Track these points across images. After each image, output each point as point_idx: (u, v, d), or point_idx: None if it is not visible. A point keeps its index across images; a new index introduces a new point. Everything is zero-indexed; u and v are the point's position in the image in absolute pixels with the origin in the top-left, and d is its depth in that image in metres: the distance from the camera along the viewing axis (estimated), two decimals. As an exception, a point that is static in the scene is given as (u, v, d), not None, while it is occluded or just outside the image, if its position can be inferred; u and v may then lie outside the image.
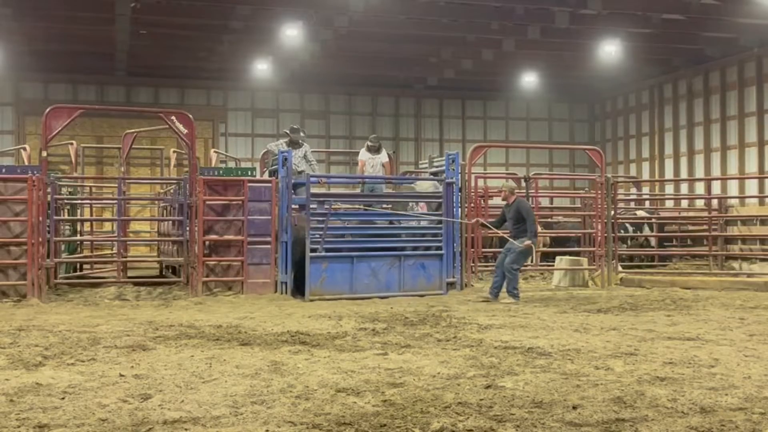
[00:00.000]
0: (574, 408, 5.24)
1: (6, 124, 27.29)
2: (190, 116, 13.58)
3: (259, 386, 5.92)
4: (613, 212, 16.25)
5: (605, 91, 31.02)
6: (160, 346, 7.75)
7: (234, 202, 13.25)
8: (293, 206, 13.27)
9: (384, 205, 14.66)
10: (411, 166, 27.56)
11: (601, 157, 16.24)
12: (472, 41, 24.02)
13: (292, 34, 21.25)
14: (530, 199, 16.77)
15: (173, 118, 13.41)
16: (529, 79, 28.25)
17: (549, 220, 20.98)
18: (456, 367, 6.70)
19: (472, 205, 16.12)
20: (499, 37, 23.51)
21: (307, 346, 7.77)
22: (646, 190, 26.02)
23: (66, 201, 16.14)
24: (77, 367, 6.70)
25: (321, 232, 12.93)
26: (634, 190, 24.60)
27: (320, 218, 13.13)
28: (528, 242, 12.35)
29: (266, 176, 15.40)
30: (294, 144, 14.36)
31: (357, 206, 14.79)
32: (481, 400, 5.48)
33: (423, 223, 14.69)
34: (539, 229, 15.38)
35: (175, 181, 16.75)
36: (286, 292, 12.93)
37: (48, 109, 12.85)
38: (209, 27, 22.61)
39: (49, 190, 13.01)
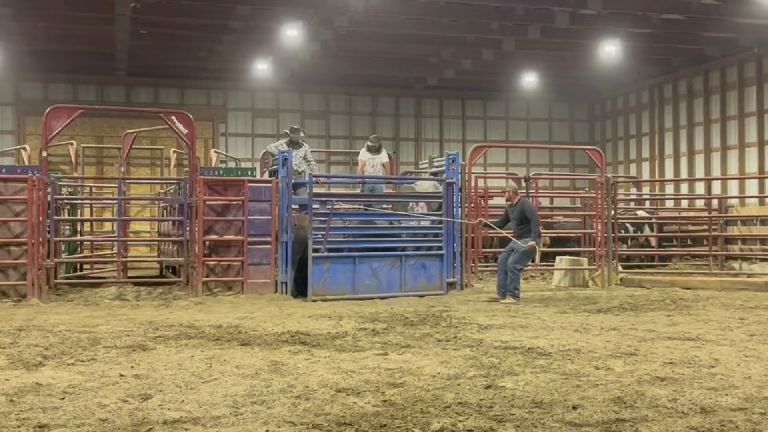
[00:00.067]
0: (574, 408, 5.24)
1: (6, 124, 27.29)
2: (190, 116, 13.59)
3: (259, 386, 5.91)
4: (613, 212, 16.24)
5: (605, 91, 31.01)
6: (160, 346, 7.75)
7: (234, 202, 13.25)
8: (293, 206, 13.28)
9: (384, 205, 14.66)
10: (411, 166, 27.56)
11: (601, 157, 16.24)
12: (472, 41, 24.02)
13: (292, 34, 21.25)
14: (530, 199, 16.73)
15: (173, 118, 13.42)
16: (529, 79, 28.24)
17: (549, 220, 20.97)
18: (456, 367, 6.70)
19: (472, 205, 16.12)
20: (499, 37, 23.50)
21: (307, 346, 7.76)
22: (646, 190, 26.01)
23: (66, 201, 16.16)
24: (77, 367, 6.70)
25: (323, 233, 12.92)
26: (634, 190, 24.58)
27: (322, 218, 13.13)
28: (532, 243, 12.35)
29: (266, 176, 15.38)
30: (294, 144, 14.35)
31: (357, 206, 14.79)
32: (481, 400, 5.47)
33: (423, 224, 14.69)
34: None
35: (175, 181, 16.75)
36: (286, 292, 12.93)
37: (48, 109, 12.86)
38: (209, 27, 22.61)
39: (49, 190, 13.01)
